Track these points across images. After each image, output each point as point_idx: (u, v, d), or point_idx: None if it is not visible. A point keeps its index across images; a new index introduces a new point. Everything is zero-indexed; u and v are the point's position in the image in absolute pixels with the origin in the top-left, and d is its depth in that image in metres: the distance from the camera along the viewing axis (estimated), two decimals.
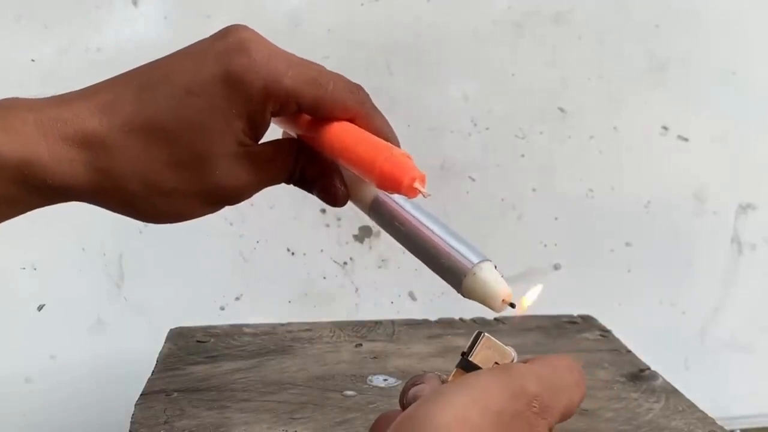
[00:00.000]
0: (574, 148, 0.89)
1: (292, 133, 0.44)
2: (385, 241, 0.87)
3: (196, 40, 0.40)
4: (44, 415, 0.83)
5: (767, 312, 0.97)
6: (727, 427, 0.51)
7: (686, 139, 0.91)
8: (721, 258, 0.95)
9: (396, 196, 0.42)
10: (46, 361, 0.83)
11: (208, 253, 0.84)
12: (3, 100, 0.38)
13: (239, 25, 0.40)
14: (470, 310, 0.72)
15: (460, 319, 0.70)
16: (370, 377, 0.57)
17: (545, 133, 0.88)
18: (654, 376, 0.58)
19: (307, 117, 0.41)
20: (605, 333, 0.67)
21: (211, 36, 0.40)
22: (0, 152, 0.35)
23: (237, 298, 0.86)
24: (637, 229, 0.92)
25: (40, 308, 0.82)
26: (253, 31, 0.39)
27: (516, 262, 0.88)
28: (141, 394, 0.54)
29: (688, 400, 0.54)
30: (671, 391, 0.56)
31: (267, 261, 0.85)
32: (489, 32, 0.86)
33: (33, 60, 0.77)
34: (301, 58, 0.40)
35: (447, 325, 0.69)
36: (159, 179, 0.38)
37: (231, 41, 0.38)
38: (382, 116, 0.41)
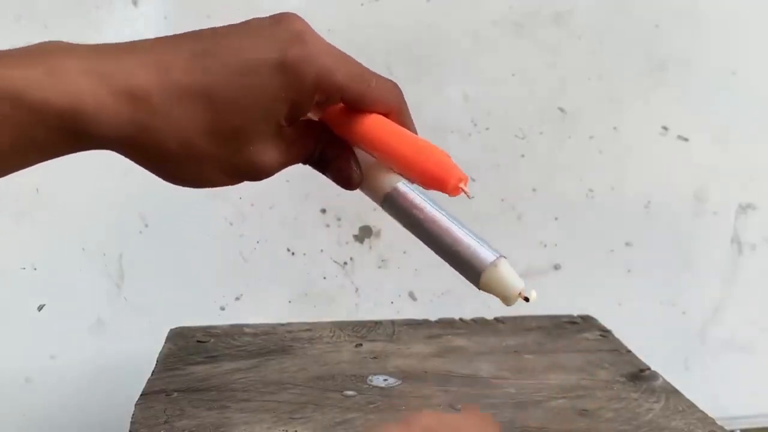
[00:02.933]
0: (574, 148, 0.89)
1: (314, 116, 0.45)
2: (385, 241, 0.87)
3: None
4: (44, 415, 0.83)
5: (767, 312, 0.97)
6: (727, 427, 0.51)
7: (686, 139, 0.91)
8: (721, 258, 0.95)
9: (415, 188, 0.44)
10: (46, 361, 0.83)
11: (208, 253, 0.84)
12: (44, 43, 0.38)
13: (293, 14, 0.41)
14: (470, 310, 0.73)
15: (460, 319, 0.70)
16: (370, 377, 0.57)
17: (545, 133, 0.88)
18: (654, 376, 0.58)
19: (338, 106, 0.44)
20: (605, 333, 0.67)
21: (266, 19, 0.41)
22: (46, 98, 0.36)
23: (237, 298, 0.86)
24: (637, 229, 0.92)
25: (40, 308, 0.82)
26: (306, 22, 0.41)
27: (516, 262, 0.88)
28: (141, 394, 0.54)
29: (688, 400, 0.54)
30: (671, 391, 0.56)
31: (267, 261, 0.85)
32: (489, 32, 0.86)
33: None
34: (346, 54, 0.42)
35: (447, 325, 0.69)
36: (196, 144, 0.39)
37: (289, 30, 0.40)
38: (410, 114, 0.45)
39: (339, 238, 0.86)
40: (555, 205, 0.90)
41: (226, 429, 0.49)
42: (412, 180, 0.43)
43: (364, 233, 0.87)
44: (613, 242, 0.92)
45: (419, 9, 0.84)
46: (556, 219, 0.90)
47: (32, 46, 0.38)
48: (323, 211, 0.85)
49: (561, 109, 0.88)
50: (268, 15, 0.42)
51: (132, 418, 0.50)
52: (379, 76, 0.43)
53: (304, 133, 0.43)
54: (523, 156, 0.88)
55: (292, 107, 0.40)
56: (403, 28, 0.84)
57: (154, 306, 0.83)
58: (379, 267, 0.88)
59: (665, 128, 0.91)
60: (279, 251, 0.86)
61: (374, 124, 0.43)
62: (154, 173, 0.41)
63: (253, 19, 0.42)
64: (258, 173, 0.42)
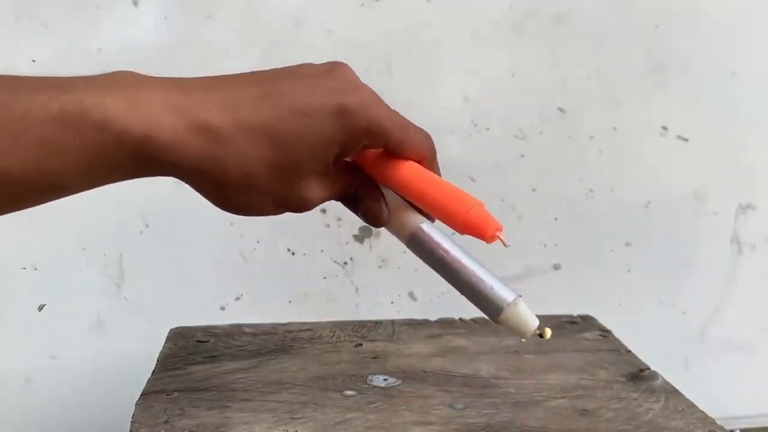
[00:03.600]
0: (574, 148, 0.89)
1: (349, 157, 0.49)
2: (385, 241, 0.87)
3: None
4: (44, 414, 0.83)
5: (767, 312, 0.97)
6: (727, 427, 0.51)
7: (686, 139, 0.91)
8: (721, 258, 0.95)
9: (438, 229, 0.48)
10: (46, 360, 0.83)
11: (208, 253, 0.84)
12: (121, 74, 0.42)
13: (345, 64, 0.46)
14: (470, 310, 0.73)
15: (460, 319, 0.70)
16: (370, 377, 0.57)
17: (545, 133, 0.88)
18: (654, 376, 0.58)
19: (375, 150, 0.48)
20: (605, 333, 0.67)
21: (320, 66, 0.46)
22: (128, 126, 0.39)
23: (237, 298, 0.86)
24: (637, 229, 0.92)
25: (40, 308, 0.82)
26: (354, 72, 0.46)
27: (516, 262, 0.89)
28: (141, 394, 0.54)
29: (688, 400, 0.54)
30: (671, 391, 0.56)
31: (267, 261, 0.85)
32: (489, 32, 0.86)
33: (33, 60, 0.77)
34: (387, 104, 0.46)
35: (447, 325, 0.69)
36: (257, 177, 0.43)
37: (343, 78, 0.44)
38: (437, 161, 0.49)
39: (339, 238, 0.86)
40: (555, 205, 0.90)
41: (227, 429, 0.49)
42: (450, 227, 0.47)
43: (364, 233, 0.87)
44: (613, 242, 0.92)
45: (419, 9, 0.84)
46: (556, 219, 0.90)
47: (113, 75, 0.41)
48: (323, 211, 0.85)
49: (561, 109, 0.88)
50: (320, 63, 0.46)
51: (132, 417, 0.50)
52: (416, 126, 0.47)
53: (343, 173, 0.47)
54: (523, 156, 0.88)
55: (342, 149, 0.44)
56: (403, 28, 0.84)
57: (154, 306, 0.83)
58: (379, 267, 0.88)
59: (665, 128, 0.91)
60: (279, 251, 0.86)
61: (410, 171, 0.47)
62: (209, 199, 0.44)
63: (307, 64, 0.46)
64: (302, 206, 0.46)
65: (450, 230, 0.47)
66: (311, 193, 0.45)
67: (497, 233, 0.45)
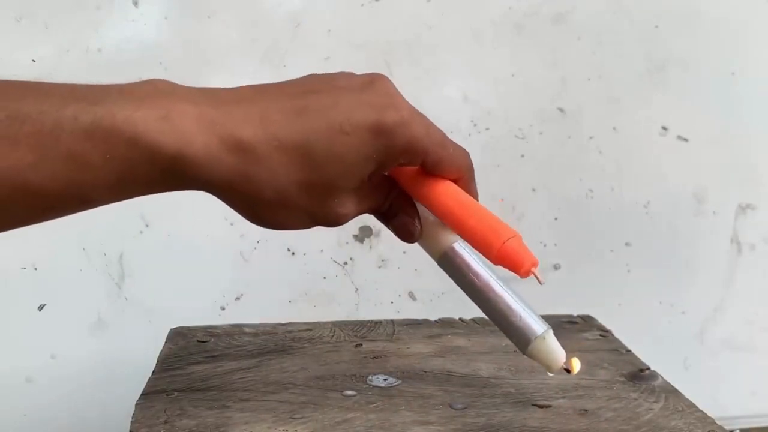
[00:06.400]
0: (574, 149, 0.89)
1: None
2: (385, 241, 0.87)
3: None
4: (44, 414, 0.83)
5: (767, 312, 0.97)
6: (727, 427, 0.51)
7: (686, 140, 0.91)
8: (721, 258, 0.95)
9: (469, 249, 0.47)
10: (46, 360, 0.83)
11: (208, 253, 0.84)
12: (153, 82, 0.40)
13: (384, 76, 0.44)
14: (470, 310, 0.73)
15: (460, 319, 0.70)
16: (370, 377, 0.57)
17: (545, 133, 0.88)
18: (654, 376, 0.58)
19: (412, 168, 0.46)
20: (605, 333, 0.67)
21: (358, 78, 0.44)
22: (160, 141, 0.38)
23: (237, 298, 0.86)
24: (636, 229, 0.92)
25: (40, 308, 0.82)
26: (394, 85, 0.44)
27: None
28: (141, 394, 0.54)
29: (688, 400, 0.54)
30: (671, 391, 0.56)
31: (267, 261, 0.86)
32: (489, 33, 0.86)
33: (34, 60, 0.77)
34: (427, 118, 0.44)
35: (447, 325, 0.69)
36: (290, 193, 0.42)
37: (382, 93, 0.43)
38: (475, 180, 0.48)
39: (339, 238, 0.87)
40: (555, 205, 0.90)
41: (227, 429, 0.49)
42: (484, 256, 0.46)
43: (364, 233, 0.87)
44: (613, 242, 0.92)
45: (419, 9, 0.84)
46: (556, 219, 0.90)
47: (146, 84, 0.40)
48: None
49: (561, 109, 0.88)
50: (360, 74, 0.44)
51: (132, 417, 0.50)
52: (454, 143, 0.46)
53: (378, 187, 0.46)
54: (523, 156, 0.88)
55: (378, 165, 0.43)
56: (403, 28, 0.84)
57: (154, 306, 0.83)
58: (379, 267, 0.88)
59: (665, 128, 0.91)
60: (279, 251, 0.86)
61: (447, 192, 0.46)
62: (240, 213, 0.43)
63: (344, 75, 0.44)
64: (336, 222, 0.44)
65: None
66: (345, 209, 0.44)
67: (532, 269, 0.44)
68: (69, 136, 0.37)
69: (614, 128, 0.90)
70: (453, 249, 0.47)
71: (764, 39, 0.91)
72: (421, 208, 0.48)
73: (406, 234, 0.48)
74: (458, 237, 0.47)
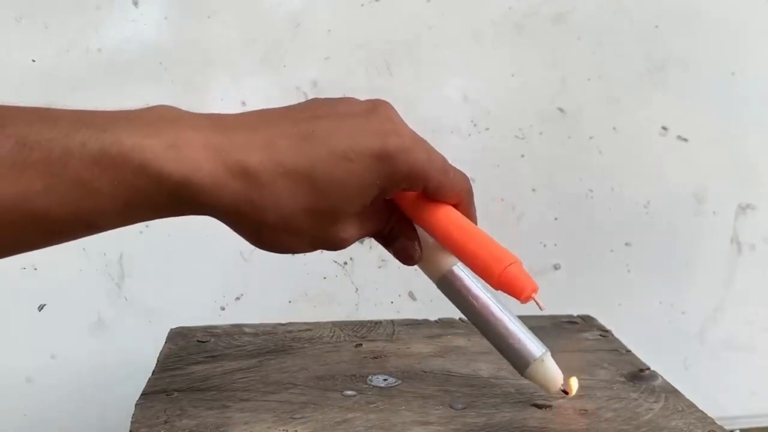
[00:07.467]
0: (574, 149, 0.89)
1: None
2: None
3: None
4: (44, 414, 0.83)
5: (767, 312, 0.97)
6: (727, 427, 0.51)
7: (686, 140, 0.91)
8: (721, 258, 0.95)
9: (469, 272, 0.48)
10: (46, 360, 0.83)
11: (208, 253, 0.84)
12: (159, 109, 0.41)
13: (386, 102, 0.45)
14: None
15: (460, 319, 0.70)
16: (370, 377, 0.57)
17: (545, 133, 0.88)
18: (654, 376, 0.58)
19: (413, 192, 0.47)
20: (605, 333, 0.67)
21: (360, 105, 0.45)
22: (167, 169, 0.39)
23: (237, 298, 0.86)
24: (636, 229, 0.92)
25: (40, 308, 0.82)
26: (396, 111, 0.45)
27: None
28: (141, 394, 0.54)
29: (688, 400, 0.54)
30: (671, 391, 0.56)
31: (267, 261, 0.85)
32: (489, 32, 0.86)
33: (33, 60, 0.77)
34: (429, 144, 0.45)
35: (447, 325, 0.69)
36: (294, 219, 0.43)
37: (384, 119, 0.44)
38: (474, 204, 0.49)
39: None
40: (555, 205, 0.90)
41: (227, 429, 0.49)
42: (484, 281, 0.46)
43: None
44: (613, 242, 0.92)
45: (419, 9, 0.84)
46: (556, 219, 0.90)
47: (152, 111, 0.41)
48: None
49: (561, 109, 0.88)
50: (362, 100, 0.45)
51: (132, 417, 0.50)
52: (454, 168, 0.47)
53: (379, 211, 0.47)
54: (523, 156, 0.88)
55: (380, 191, 0.44)
56: (403, 28, 0.84)
57: (154, 306, 0.83)
58: (379, 267, 0.88)
59: (665, 128, 0.91)
60: None
61: (447, 217, 0.47)
62: (244, 238, 0.44)
63: (347, 101, 0.45)
64: (337, 246, 0.46)
65: None
66: (347, 233, 0.45)
67: (533, 295, 0.45)
68: (78, 162, 0.38)
69: (614, 128, 0.90)
70: (452, 272, 0.48)
71: (764, 39, 0.91)
72: (420, 231, 0.49)
73: (407, 257, 0.49)
74: (457, 260, 0.48)
